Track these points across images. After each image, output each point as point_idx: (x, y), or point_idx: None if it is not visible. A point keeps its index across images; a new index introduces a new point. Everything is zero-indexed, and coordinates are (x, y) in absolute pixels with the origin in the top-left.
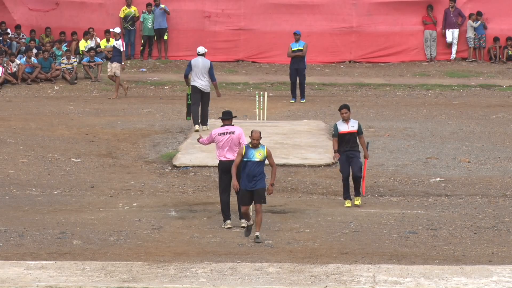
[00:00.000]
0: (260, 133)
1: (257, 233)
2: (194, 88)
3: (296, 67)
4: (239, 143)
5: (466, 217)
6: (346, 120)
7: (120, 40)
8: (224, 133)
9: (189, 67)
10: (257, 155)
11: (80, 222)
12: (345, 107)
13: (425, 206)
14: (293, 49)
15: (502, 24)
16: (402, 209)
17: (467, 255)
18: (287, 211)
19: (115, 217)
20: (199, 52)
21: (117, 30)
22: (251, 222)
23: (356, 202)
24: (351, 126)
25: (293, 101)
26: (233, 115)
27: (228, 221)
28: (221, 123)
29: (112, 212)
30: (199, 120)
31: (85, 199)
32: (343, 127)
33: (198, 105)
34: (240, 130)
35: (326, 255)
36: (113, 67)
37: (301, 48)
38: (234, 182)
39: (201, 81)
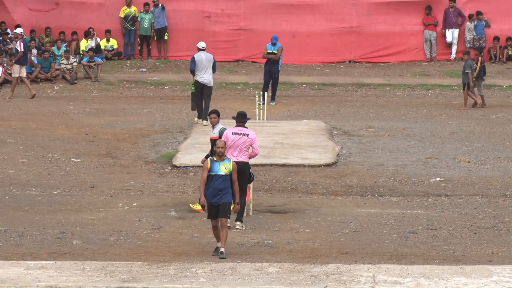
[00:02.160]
0: (224, 142)
1: (222, 249)
2: (198, 84)
3: (270, 69)
4: (250, 146)
5: (466, 217)
6: (213, 126)
7: (19, 42)
8: (238, 133)
9: (194, 63)
10: (222, 169)
11: (80, 222)
12: (211, 112)
13: (425, 206)
14: (268, 51)
15: (502, 24)
16: (402, 209)
17: (467, 255)
18: (287, 211)
19: (115, 217)
20: (203, 47)
21: (18, 30)
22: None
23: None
24: (213, 133)
25: (272, 103)
26: (248, 117)
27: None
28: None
29: (112, 212)
30: (202, 115)
31: (85, 199)
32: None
33: (201, 100)
34: (254, 135)
35: (326, 255)
36: (20, 71)
37: (275, 51)
38: (202, 198)
39: (205, 76)
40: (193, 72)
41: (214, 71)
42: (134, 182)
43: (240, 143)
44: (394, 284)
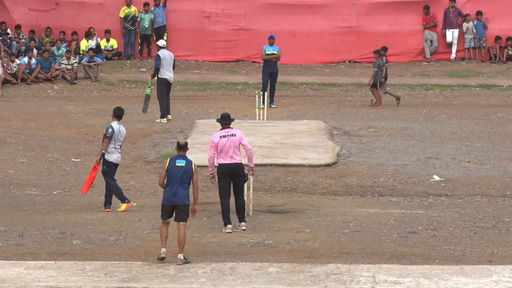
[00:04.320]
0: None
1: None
2: (163, 81)
3: (270, 71)
4: (240, 145)
5: (466, 217)
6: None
7: None
8: (225, 135)
9: (160, 60)
10: None
11: (80, 222)
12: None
13: (425, 206)
14: (267, 53)
15: (502, 24)
16: (402, 209)
17: (467, 255)
18: (287, 211)
19: (115, 217)
20: (163, 45)
21: None
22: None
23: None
24: (120, 129)
25: (273, 106)
26: (231, 117)
27: (229, 226)
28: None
29: (112, 212)
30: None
31: (85, 199)
32: None
33: (165, 97)
34: (241, 133)
35: (326, 255)
36: None
37: (275, 52)
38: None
39: (170, 74)
40: (158, 70)
41: (173, 68)
42: (134, 182)
43: (230, 145)
44: (394, 284)
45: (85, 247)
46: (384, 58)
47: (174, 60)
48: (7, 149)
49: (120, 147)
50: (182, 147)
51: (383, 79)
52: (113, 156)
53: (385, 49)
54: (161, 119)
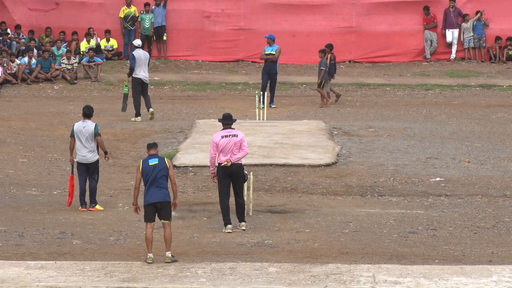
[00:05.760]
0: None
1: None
2: (137, 80)
3: (268, 71)
4: (241, 146)
5: (466, 217)
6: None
7: None
8: (227, 135)
9: (134, 60)
10: None
11: (80, 222)
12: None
13: (425, 206)
14: (266, 53)
15: (502, 24)
16: (402, 209)
17: (467, 255)
18: (287, 211)
19: (115, 217)
20: (139, 44)
21: None
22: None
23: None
24: (83, 126)
25: (273, 106)
26: (233, 118)
27: (229, 226)
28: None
29: (112, 212)
30: (146, 106)
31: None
32: None
33: (139, 96)
34: (243, 135)
35: (326, 255)
36: None
37: (273, 52)
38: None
39: (144, 73)
40: (133, 69)
41: (148, 67)
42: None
43: (230, 145)
44: (394, 284)
45: (85, 247)
46: (329, 55)
47: (149, 60)
48: (7, 149)
49: (90, 145)
50: (151, 146)
51: (331, 76)
52: (77, 156)
53: (330, 46)
54: (136, 118)
